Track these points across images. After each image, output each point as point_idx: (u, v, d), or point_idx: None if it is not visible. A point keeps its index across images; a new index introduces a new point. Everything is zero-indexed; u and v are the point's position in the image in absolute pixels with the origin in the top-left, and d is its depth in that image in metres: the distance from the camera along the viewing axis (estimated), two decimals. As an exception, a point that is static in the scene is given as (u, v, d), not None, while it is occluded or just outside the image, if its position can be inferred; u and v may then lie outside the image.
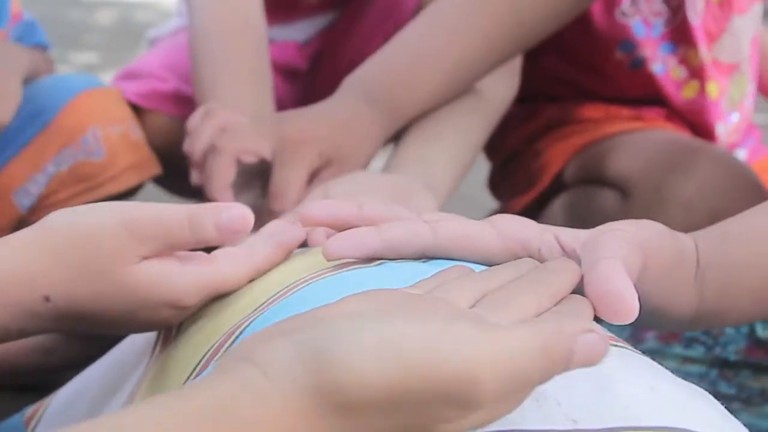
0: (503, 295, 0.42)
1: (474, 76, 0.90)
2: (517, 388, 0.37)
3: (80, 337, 0.73)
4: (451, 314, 0.38)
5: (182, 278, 0.51)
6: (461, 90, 0.90)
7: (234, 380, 0.35)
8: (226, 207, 0.52)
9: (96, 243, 0.50)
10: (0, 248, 0.50)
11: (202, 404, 0.34)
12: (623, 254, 0.46)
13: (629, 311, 0.43)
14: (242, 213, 0.52)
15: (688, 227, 0.56)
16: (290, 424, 0.35)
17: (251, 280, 0.53)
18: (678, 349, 0.86)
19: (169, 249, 0.51)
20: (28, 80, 1.04)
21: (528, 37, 0.90)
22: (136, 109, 1.13)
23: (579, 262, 0.47)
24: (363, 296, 0.40)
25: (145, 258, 0.51)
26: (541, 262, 0.49)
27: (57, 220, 0.51)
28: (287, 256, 0.55)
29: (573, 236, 0.49)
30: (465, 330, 0.36)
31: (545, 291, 0.43)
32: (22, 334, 0.51)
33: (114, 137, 1.05)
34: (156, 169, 1.10)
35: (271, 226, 0.57)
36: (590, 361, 0.39)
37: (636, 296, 0.44)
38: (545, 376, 0.38)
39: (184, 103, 1.12)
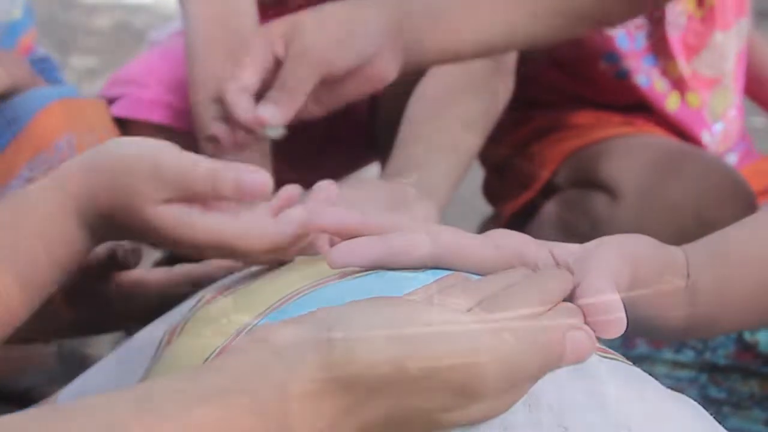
0: (499, 300, 0.43)
1: (506, 43, 0.83)
2: (516, 383, 0.39)
3: (71, 304, 0.74)
4: (455, 311, 0.40)
5: (196, 226, 0.55)
6: (481, 51, 0.83)
7: (247, 360, 0.37)
8: (251, 170, 0.55)
9: (129, 180, 0.54)
10: (64, 171, 0.56)
11: (218, 383, 0.36)
12: (612, 268, 0.48)
13: (617, 325, 0.45)
14: (264, 180, 0.55)
15: (675, 229, 0.57)
16: (299, 402, 0.37)
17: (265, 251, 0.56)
18: (668, 354, 0.87)
19: (189, 197, 0.55)
20: (13, 92, 1.02)
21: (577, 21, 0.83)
22: (124, 127, 1.10)
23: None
24: (367, 300, 0.41)
25: (167, 201, 0.54)
26: None
27: (109, 150, 0.56)
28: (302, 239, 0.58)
29: (566, 250, 0.51)
30: (470, 322, 0.39)
31: (539, 297, 0.44)
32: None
33: (89, 145, 0.97)
34: None
35: (314, 198, 0.59)
36: (579, 358, 0.41)
37: (623, 310, 0.45)
38: (541, 372, 0.40)
39: (169, 112, 1.12)
